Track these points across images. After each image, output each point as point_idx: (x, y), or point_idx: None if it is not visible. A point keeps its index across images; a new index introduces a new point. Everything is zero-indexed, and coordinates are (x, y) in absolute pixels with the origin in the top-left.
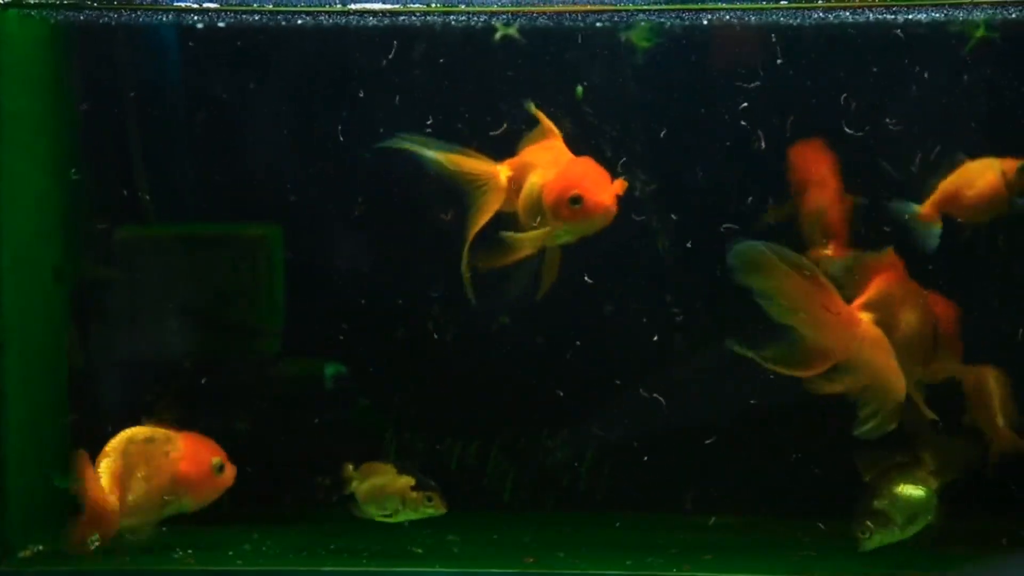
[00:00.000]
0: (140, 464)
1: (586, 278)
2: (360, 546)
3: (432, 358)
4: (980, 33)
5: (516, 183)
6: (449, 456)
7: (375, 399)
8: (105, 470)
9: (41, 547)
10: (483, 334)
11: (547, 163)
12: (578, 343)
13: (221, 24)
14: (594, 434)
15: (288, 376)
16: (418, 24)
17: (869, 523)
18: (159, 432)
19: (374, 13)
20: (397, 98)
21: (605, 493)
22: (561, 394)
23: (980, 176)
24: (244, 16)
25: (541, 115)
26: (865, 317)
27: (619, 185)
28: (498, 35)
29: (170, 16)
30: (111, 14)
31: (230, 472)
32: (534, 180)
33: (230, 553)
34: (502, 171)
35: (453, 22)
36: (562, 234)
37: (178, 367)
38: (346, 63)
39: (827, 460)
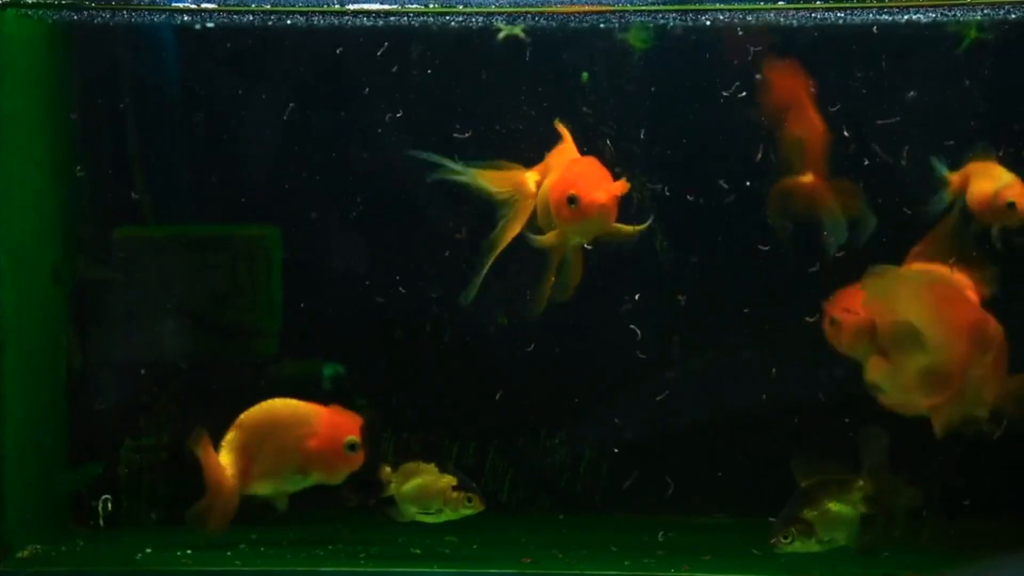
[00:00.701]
0: (271, 437)
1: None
2: (358, 547)
3: (430, 359)
4: (972, 34)
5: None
6: (447, 456)
7: (373, 400)
8: (229, 443)
9: (39, 547)
10: (481, 335)
11: (556, 166)
12: (576, 345)
13: (218, 24)
14: (592, 435)
15: (286, 376)
16: (416, 25)
17: (793, 530)
18: (299, 406)
19: (370, 13)
20: (395, 99)
21: (603, 494)
22: (559, 395)
23: (984, 180)
24: (241, 16)
25: (557, 123)
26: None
27: (619, 186)
28: (502, 35)
29: (168, 16)
30: (108, 14)
31: (364, 453)
32: (545, 184)
33: (228, 553)
34: (531, 177)
35: (453, 23)
36: (572, 235)
37: (176, 367)
38: (343, 64)
39: (824, 460)
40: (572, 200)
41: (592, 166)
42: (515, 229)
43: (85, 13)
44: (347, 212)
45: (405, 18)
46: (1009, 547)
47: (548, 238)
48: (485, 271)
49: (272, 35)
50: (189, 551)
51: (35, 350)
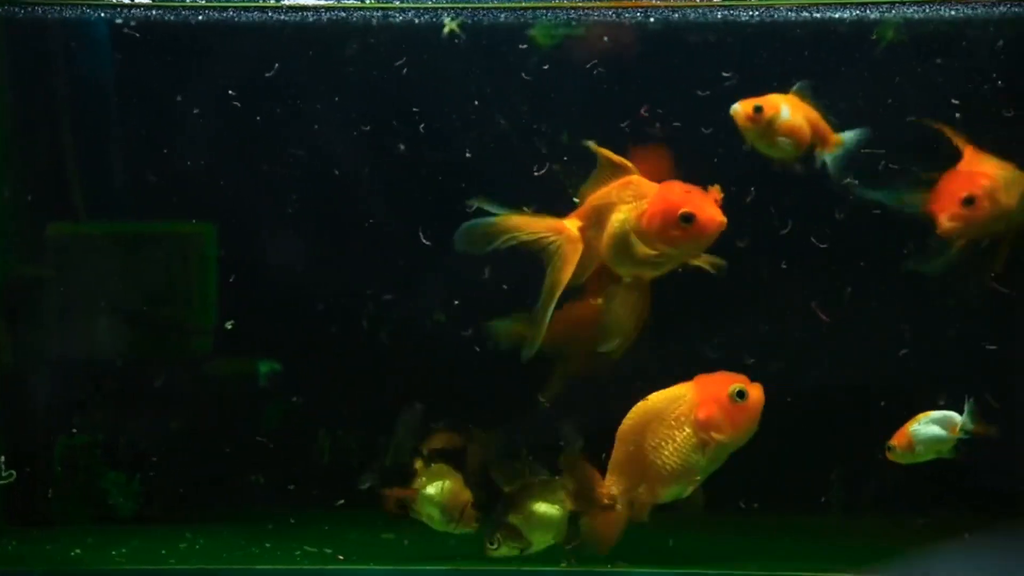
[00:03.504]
0: (650, 431)
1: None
2: (293, 545)
3: (365, 356)
4: (890, 36)
5: (588, 232)
6: (383, 454)
7: (307, 397)
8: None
9: None
10: (418, 333)
11: (633, 196)
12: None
13: (154, 19)
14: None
15: (221, 374)
16: (355, 20)
17: (499, 535)
18: (668, 392)
19: (309, 9)
20: (333, 96)
21: None
22: (494, 393)
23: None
24: (178, 11)
25: (608, 153)
26: None
27: (716, 192)
28: (446, 30)
29: (102, 10)
30: (42, 8)
31: (756, 393)
32: (619, 217)
33: (163, 552)
34: (570, 224)
35: (397, 19)
36: (676, 258)
37: (110, 365)
38: (279, 60)
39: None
40: (687, 219)
41: (685, 185)
42: (566, 277)
43: (17, 9)
44: (283, 210)
45: (343, 14)
46: (938, 542)
47: (647, 252)
48: (544, 323)
49: (208, 30)
50: (124, 550)
51: None
